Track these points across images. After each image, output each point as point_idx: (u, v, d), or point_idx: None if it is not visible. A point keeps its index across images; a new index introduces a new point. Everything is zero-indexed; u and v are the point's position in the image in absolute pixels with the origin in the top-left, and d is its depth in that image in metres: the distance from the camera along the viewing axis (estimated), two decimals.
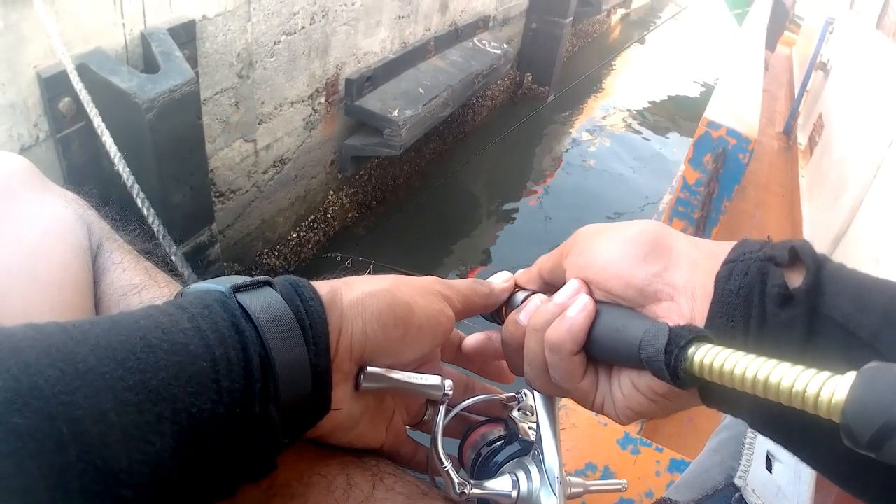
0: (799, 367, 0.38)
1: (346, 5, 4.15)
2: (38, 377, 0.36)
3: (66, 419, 0.36)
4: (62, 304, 0.62)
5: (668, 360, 0.46)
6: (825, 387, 0.35)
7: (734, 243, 0.50)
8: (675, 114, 8.42)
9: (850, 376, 0.34)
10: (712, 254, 0.51)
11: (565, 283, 0.58)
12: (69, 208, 0.70)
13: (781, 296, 0.44)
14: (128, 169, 2.33)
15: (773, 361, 0.39)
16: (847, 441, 0.34)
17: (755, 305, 0.45)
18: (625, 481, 0.72)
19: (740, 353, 0.42)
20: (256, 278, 0.52)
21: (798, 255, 0.45)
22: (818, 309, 0.43)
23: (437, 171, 6.02)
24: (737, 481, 0.71)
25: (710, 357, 0.43)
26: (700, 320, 0.48)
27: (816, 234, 3.63)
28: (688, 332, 0.46)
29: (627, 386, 0.54)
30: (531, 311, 0.60)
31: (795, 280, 0.45)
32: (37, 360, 0.37)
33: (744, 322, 0.46)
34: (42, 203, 0.67)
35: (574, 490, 0.65)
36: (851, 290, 0.44)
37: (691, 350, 0.45)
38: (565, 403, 0.97)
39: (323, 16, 3.96)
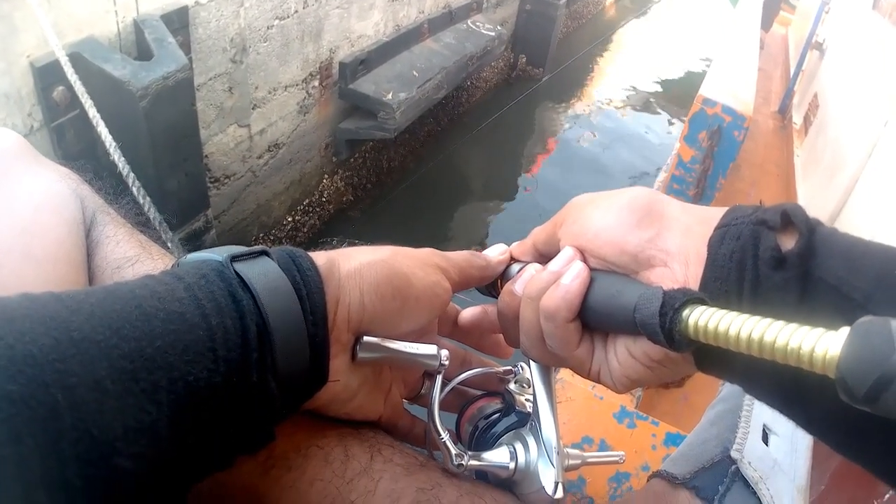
0: (793, 325, 0.38)
1: None
2: (33, 345, 0.36)
3: (60, 386, 0.36)
4: (56, 278, 0.62)
5: (663, 323, 0.46)
6: (819, 343, 0.35)
7: (726, 209, 0.50)
8: (671, 93, 8.40)
9: (844, 331, 0.35)
10: (705, 219, 0.51)
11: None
12: (63, 183, 0.69)
13: (774, 258, 0.44)
14: (123, 157, 2.33)
15: (768, 320, 0.39)
16: (843, 396, 0.34)
17: (748, 269, 0.45)
18: (622, 453, 0.73)
19: (734, 314, 0.42)
20: (254, 248, 0.52)
21: (790, 218, 0.46)
22: (811, 271, 0.43)
23: (432, 154, 6.01)
24: (733, 454, 0.70)
25: (704, 318, 0.43)
26: (694, 285, 0.48)
27: (811, 212, 3.60)
28: (682, 295, 0.46)
29: (623, 353, 0.54)
30: (526, 280, 0.61)
31: (788, 243, 0.45)
32: (31, 329, 0.37)
33: (737, 285, 0.46)
34: (36, 178, 0.67)
35: (572, 462, 0.65)
36: (844, 253, 0.44)
37: (686, 312, 0.45)
38: (561, 377, 0.97)
39: None
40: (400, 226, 5.18)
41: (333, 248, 0.59)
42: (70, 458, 0.36)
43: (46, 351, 0.37)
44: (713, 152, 2.84)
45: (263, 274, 0.49)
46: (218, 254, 0.50)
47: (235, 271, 0.48)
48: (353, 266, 0.55)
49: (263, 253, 0.52)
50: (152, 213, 2.37)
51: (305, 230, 4.75)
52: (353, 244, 0.62)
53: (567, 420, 0.95)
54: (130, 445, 0.39)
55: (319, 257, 0.55)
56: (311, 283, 0.52)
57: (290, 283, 0.50)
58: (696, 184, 2.93)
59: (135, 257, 0.70)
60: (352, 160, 5.10)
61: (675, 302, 0.46)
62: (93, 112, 2.32)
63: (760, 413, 0.76)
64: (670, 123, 7.67)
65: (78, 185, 0.72)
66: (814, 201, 3.66)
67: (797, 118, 5.05)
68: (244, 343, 0.46)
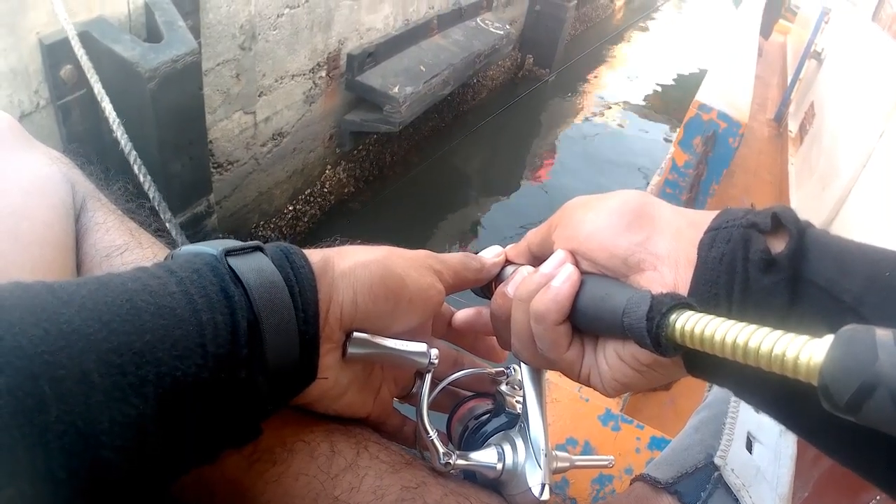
0: (778, 332, 0.37)
1: None
2: (22, 336, 0.36)
3: (48, 378, 0.36)
4: (44, 263, 0.61)
5: (650, 328, 0.46)
6: (803, 350, 0.35)
7: (717, 212, 0.50)
8: (674, 98, 8.39)
9: (828, 339, 0.34)
10: (696, 222, 0.51)
11: None
12: (53, 166, 0.68)
13: (764, 261, 0.44)
14: (126, 137, 2.33)
15: (753, 326, 0.39)
16: (826, 404, 0.33)
17: (738, 272, 0.45)
18: (611, 458, 0.72)
19: (720, 319, 0.41)
20: (248, 243, 0.51)
21: (780, 221, 0.45)
22: (801, 274, 0.43)
23: (435, 150, 6.00)
24: (716, 460, 0.70)
25: (690, 323, 0.43)
26: (684, 289, 0.48)
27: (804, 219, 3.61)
28: (669, 300, 0.46)
29: (613, 357, 0.54)
30: (518, 282, 0.60)
31: (778, 246, 0.44)
32: (21, 320, 0.37)
33: (727, 289, 0.45)
34: (26, 161, 0.66)
35: (560, 465, 0.65)
36: (834, 255, 0.43)
37: (672, 317, 0.45)
38: (548, 378, 0.98)
39: None
40: (400, 220, 5.18)
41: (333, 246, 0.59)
42: (55, 450, 0.36)
43: (36, 342, 0.36)
44: (707, 158, 2.84)
45: (256, 269, 0.49)
46: (212, 247, 0.50)
47: (229, 266, 0.48)
48: (347, 265, 0.55)
49: (258, 248, 0.51)
50: (153, 193, 2.36)
51: (306, 220, 4.75)
52: (354, 242, 0.62)
53: (552, 421, 0.94)
54: (116, 439, 0.38)
55: (314, 255, 0.54)
56: (304, 279, 0.51)
57: (283, 280, 0.50)
58: (689, 188, 2.93)
59: (124, 245, 0.69)
60: (355, 152, 5.09)
61: (662, 307, 0.46)
62: (98, 87, 2.31)
63: (745, 421, 0.75)
64: (672, 127, 7.66)
65: (69, 169, 0.71)
66: (807, 210, 3.65)
67: (793, 126, 5.04)
68: (234, 339, 0.45)
